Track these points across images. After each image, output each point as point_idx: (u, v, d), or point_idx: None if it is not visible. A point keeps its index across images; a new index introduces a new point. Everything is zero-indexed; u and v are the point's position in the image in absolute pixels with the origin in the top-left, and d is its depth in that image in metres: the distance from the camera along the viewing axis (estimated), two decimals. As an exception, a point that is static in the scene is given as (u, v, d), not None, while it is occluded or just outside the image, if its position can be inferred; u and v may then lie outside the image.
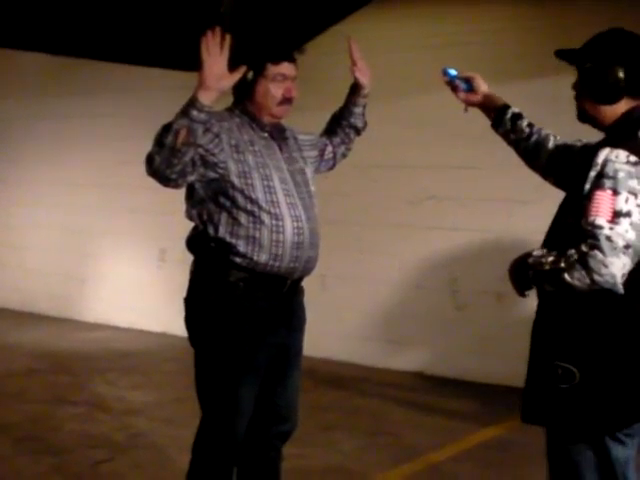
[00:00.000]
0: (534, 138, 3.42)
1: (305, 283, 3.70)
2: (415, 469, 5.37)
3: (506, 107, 3.49)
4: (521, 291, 3.10)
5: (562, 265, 2.79)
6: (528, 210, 7.14)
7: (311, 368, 7.59)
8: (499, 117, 3.49)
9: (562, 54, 3.13)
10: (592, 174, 2.83)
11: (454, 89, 3.57)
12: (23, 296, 10.61)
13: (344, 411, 6.60)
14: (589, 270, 2.72)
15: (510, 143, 3.50)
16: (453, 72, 3.56)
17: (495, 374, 7.34)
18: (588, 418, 2.91)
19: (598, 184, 2.79)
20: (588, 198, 2.80)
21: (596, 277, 2.72)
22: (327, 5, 7.70)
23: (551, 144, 3.39)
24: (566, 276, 2.77)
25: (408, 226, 7.85)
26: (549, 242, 3.06)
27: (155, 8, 6.82)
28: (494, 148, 7.12)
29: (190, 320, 3.62)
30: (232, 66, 3.27)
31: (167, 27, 7.01)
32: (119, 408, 6.48)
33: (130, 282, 9.66)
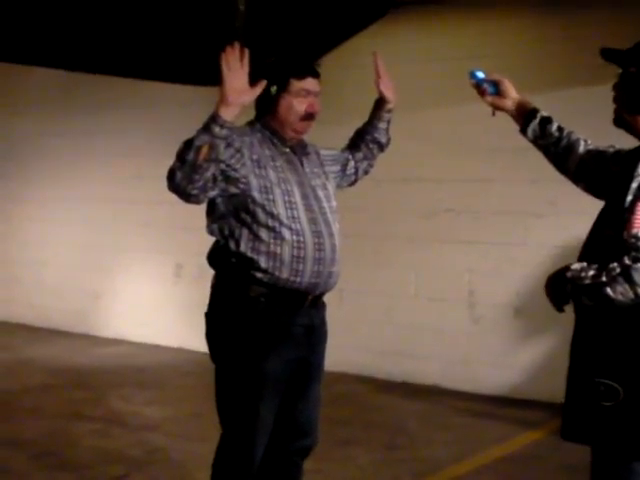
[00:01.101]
0: (564, 142, 3.33)
1: (324, 297, 3.69)
2: (434, 484, 5.35)
3: (535, 111, 3.40)
4: (558, 305, 3.00)
5: (604, 279, 2.73)
6: (544, 223, 7.12)
7: (327, 382, 7.55)
8: (527, 122, 3.39)
9: (608, 54, 3.03)
10: (634, 185, 2.79)
11: (481, 93, 3.49)
12: (38, 312, 10.61)
13: (361, 425, 6.57)
14: (633, 284, 2.68)
15: (539, 148, 3.41)
16: (480, 75, 3.48)
17: (513, 387, 7.30)
18: (637, 436, 2.84)
19: None
20: (630, 210, 2.75)
21: None
22: (342, 19, 7.70)
23: (582, 149, 3.31)
24: (608, 290, 2.72)
25: (424, 239, 7.83)
26: (587, 255, 2.97)
27: (170, 23, 6.83)
28: (510, 161, 7.20)
29: (211, 335, 3.60)
30: (254, 81, 3.26)
31: (182, 42, 7.02)
32: (135, 423, 6.46)
33: (146, 297, 9.66)
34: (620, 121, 3.03)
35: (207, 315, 3.62)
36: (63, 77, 9.37)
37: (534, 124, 3.37)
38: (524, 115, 3.41)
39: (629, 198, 2.78)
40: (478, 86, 3.49)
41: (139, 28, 6.84)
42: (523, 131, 3.42)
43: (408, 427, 6.55)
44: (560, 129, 3.36)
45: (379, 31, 7.78)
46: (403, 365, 7.92)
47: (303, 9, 7.34)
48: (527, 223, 7.28)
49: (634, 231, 2.71)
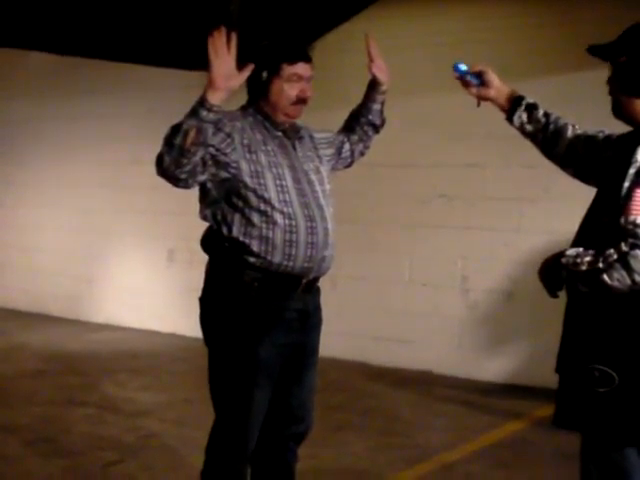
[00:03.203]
0: (551, 128, 3.31)
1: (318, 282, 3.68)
2: (428, 469, 5.34)
3: (520, 98, 3.38)
4: (552, 291, 2.98)
5: (600, 265, 2.72)
6: (538, 209, 7.12)
7: (321, 368, 7.56)
8: (513, 109, 3.37)
9: (594, 50, 3.01)
10: (631, 171, 2.76)
11: (465, 85, 3.46)
12: (32, 297, 10.61)
13: (355, 411, 6.57)
14: (630, 270, 2.67)
15: (526, 135, 3.39)
16: (463, 67, 3.45)
17: (506, 373, 7.31)
18: (631, 422, 2.83)
19: (639, 182, 2.74)
20: (628, 197, 2.73)
21: (637, 277, 2.67)
22: (334, 4, 7.68)
23: (570, 133, 3.29)
24: (605, 277, 2.71)
25: (418, 225, 7.83)
26: (582, 241, 2.94)
27: (164, 7, 6.80)
28: (504, 146, 7.19)
29: (205, 320, 3.60)
30: (246, 63, 3.26)
31: (176, 26, 7.00)
32: (129, 409, 6.46)
33: (139, 282, 9.65)
34: (618, 111, 3.00)
35: (201, 300, 3.61)
36: (58, 61, 9.33)
37: (520, 111, 3.35)
38: (510, 103, 3.39)
39: (626, 184, 2.76)
40: (461, 78, 3.46)
41: (134, 12, 6.82)
42: (509, 119, 3.40)
43: (402, 413, 6.56)
44: (547, 115, 3.34)
45: (373, 15, 7.77)
46: (397, 351, 7.92)
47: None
48: (521, 209, 7.28)
49: (631, 217, 2.69)
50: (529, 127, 3.35)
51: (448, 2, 7.68)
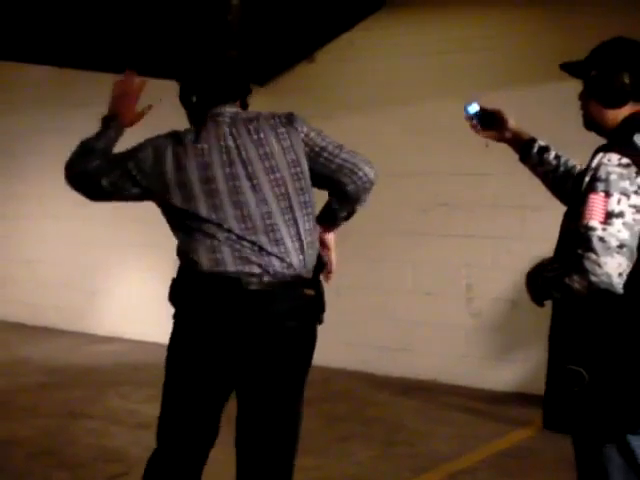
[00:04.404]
0: (561, 170, 3.46)
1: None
2: (433, 479, 5.33)
3: (532, 140, 3.50)
4: (537, 301, 3.14)
5: (562, 270, 2.86)
6: (541, 216, 7.09)
7: (325, 378, 7.57)
8: (526, 151, 3.50)
9: (566, 67, 3.19)
10: (587, 179, 2.90)
11: (472, 127, 3.58)
12: (34, 310, 10.58)
13: (359, 421, 6.55)
14: (584, 272, 2.77)
15: (538, 175, 3.54)
16: (472, 110, 3.53)
17: (511, 381, 7.29)
18: (604, 418, 2.94)
19: (591, 187, 2.85)
20: (583, 202, 2.85)
21: (592, 278, 2.76)
22: (338, 12, 7.68)
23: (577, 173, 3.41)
24: (566, 280, 2.83)
25: (420, 234, 7.80)
26: (558, 250, 3.12)
27: (163, 19, 6.80)
28: (505, 154, 7.12)
29: None
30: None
31: (175, 38, 6.99)
32: (133, 422, 6.44)
33: (142, 294, 9.63)
34: (590, 123, 3.15)
35: None
36: (60, 74, 9.32)
37: (533, 153, 3.49)
38: (522, 144, 3.53)
39: (582, 190, 2.90)
40: (470, 119, 3.57)
41: (134, 24, 6.81)
42: (522, 159, 3.53)
43: (406, 423, 6.54)
44: (557, 157, 3.48)
45: (375, 25, 7.78)
46: (401, 360, 7.90)
47: (298, 3, 7.32)
48: (524, 216, 7.26)
49: (585, 221, 2.81)
50: (540, 169, 3.51)
51: (449, 10, 7.67)
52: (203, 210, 3.31)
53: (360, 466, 5.52)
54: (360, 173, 3.51)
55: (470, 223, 7.58)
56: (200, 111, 3.48)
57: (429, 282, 7.83)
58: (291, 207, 3.38)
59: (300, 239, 3.39)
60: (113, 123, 3.64)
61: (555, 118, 6.22)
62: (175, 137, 3.44)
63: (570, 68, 3.18)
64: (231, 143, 3.37)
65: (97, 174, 3.52)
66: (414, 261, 7.90)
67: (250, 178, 3.34)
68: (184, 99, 3.60)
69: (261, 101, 7.80)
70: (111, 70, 8.03)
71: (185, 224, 3.37)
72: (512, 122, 3.53)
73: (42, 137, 10.40)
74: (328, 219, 3.68)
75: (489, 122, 3.55)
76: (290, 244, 3.37)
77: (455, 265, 7.66)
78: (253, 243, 3.30)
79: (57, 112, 10.24)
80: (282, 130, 3.43)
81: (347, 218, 3.75)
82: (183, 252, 3.45)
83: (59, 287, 10.41)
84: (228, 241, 3.29)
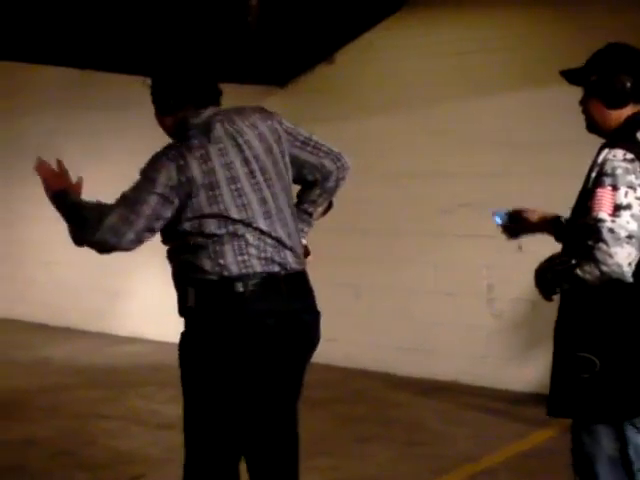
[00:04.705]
0: None
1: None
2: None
3: (558, 217, 3.66)
4: (546, 295, 3.29)
5: (572, 262, 3.01)
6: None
7: (344, 378, 7.56)
8: (558, 228, 3.63)
9: (565, 75, 3.40)
10: (593, 175, 3.07)
11: (505, 234, 3.90)
12: (54, 311, 10.61)
13: (379, 422, 6.54)
14: (596, 262, 2.92)
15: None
16: (499, 219, 3.82)
17: (532, 382, 7.25)
18: (608, 403, 3.10)
19: (599, 182, 3.02)
20: (590, 197, 3.01)
21: (603, 268, 2.92)
22: (357, 13, 7.67)
23: None
24: (578, 271, 2.98)
25: (442, 234, 7.77)
26: (566, 245, 3.31)
27: (183, 20, 6.81)
28: (527, 155, 7.15)
29: None
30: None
31: (195, 38, 7.00)
32: (154, 422, 6.45)
33: (162, 295, 9.60)
34: (592, 125, 3.33)
35: None
36: (71, 76, 9.32)
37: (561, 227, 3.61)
38: (553, 224, 3.69)
39: (590, 186, 3.07)
40: (501, 228, 3.88)
41: (150, 25, 6.82)
42: (558, 238, 3.61)
43: (427, 424, 6.52)
44: None
45: (393, 25, 7.77)
46: (422, 361, 7.88)
47: (317, 3, 7.31)
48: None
49: (594, 214, 2.95)
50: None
51: (468, 10, 7.64)
52: (234, 211, 3.30)
53: (380, 467, 5.50)
54: (343, 161, 3.60)
55: (491, 224, 7.51)
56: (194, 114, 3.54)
57: (450, 283, 7.80)
58: (290, 198, 3.47)
59: (297, 230, 3.46)
60: (67, 196, 3.92)
61: (575, 118, 6.17)
62: (187, 143, 3.48)
63: (569, 75, 3.39)
64: (240, 140, 3.38)
65: (117, 231, 3.78)
66: (435, 262, 7.88)
67: (263, 173, 3.36)
68: (163, 106, 3.83)
69: (280, 102, 7.84)
70: (125, 72, 8.08)
71: (206, 231, 3.40)
72: (540, 213, 3.75)
73: (61, 138, 10.42)
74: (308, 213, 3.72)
75: (516, 220, 3.82)
76: (296, 237, 3.45)
77: (476, 266, 7.64)
78: (275, 239, 3.33)
79: (77, 114, 10.26)
80: (269, 122, 3.47)
81: (324, 213, 3.78)
82: (205, 259, 3.50)
83: (81, 288, 10.44)
84: (256, 241, 3.30)
